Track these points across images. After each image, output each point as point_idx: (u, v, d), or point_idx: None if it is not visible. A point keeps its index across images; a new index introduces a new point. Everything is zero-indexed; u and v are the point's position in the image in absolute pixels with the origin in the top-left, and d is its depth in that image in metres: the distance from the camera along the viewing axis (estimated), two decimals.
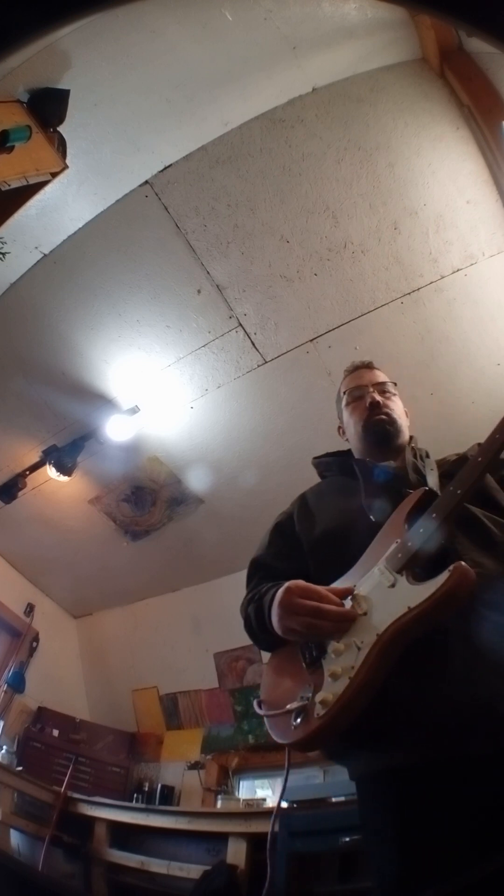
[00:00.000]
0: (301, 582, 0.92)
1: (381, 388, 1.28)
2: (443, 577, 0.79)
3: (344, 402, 1.32)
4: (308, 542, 1.11)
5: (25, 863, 2.58)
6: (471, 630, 0.81)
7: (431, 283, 2.47)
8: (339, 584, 0.95)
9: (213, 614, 3.66)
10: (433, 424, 2.66)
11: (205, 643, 3.68)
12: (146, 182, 2.35)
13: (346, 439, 1.31)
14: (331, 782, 2.45)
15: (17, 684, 3.51)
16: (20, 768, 3.21)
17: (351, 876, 1.96)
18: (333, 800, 2.24)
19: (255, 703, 0.97)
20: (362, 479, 1.11)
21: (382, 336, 2.62)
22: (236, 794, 3.26)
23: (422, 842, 0.77)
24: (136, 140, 2.24)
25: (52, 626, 3.94)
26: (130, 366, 2.87)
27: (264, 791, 3.28)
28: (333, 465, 1.26)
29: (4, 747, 3.32)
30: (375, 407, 1.22)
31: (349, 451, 1.28)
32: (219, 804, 3.12)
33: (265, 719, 0.93)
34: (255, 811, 2.71)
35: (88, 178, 2.30)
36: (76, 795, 3.17)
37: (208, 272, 2.55)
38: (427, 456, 1.16)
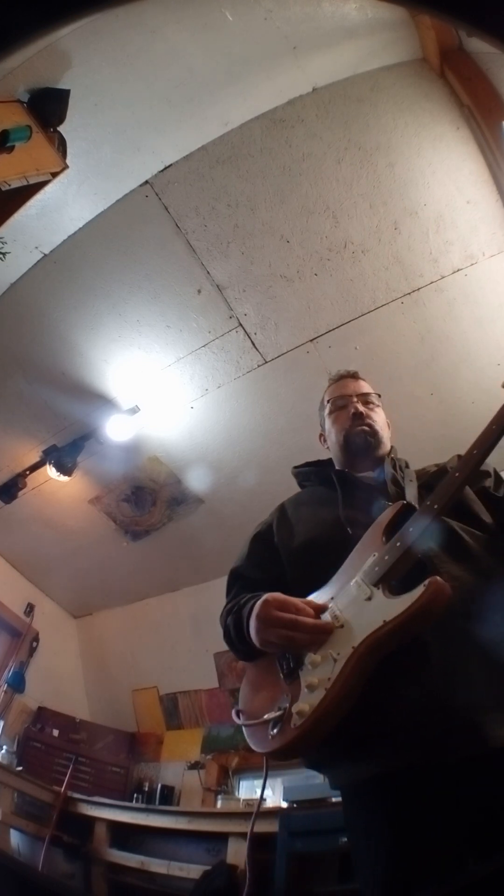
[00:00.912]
0: (279, 595, 0.93)
1: (364, 398, 1.28)
2: (418, 591, 0.80)
3: (327, 411, 1.32)
4: (286, 552, 1.12)
5: (25, 863, 2.58)
6: (448, 640, 0.82)
7: (431, 283, 2.47)
8: (316, 596, 0.96)
9: (213, 614, 3.61)
10: (433, 424, 2.67)
11: (205, 643, 3.67)
12: (146, 182, 2.35)
13: (327, 447, 1.31)
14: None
15: (17, 684, 3.51)
16: (20, 768, 3.21)
17: (351, 876, 1.96)
18: (333, 800, 2.23)
19: (233, 713, 0.98)
20: (340, 490, 1.12)
21: (382, 336, 2.62)
22: (236, 794, 3.27)
23: (408, 847, 0.78)
24: (136, 140, 2.24)
25: (52, 626, 3.94)
26: (130, 366, 2.87)
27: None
28: (312, 474, 1.27)
29: (4, 747, 3.33)
30: (358, 417, 1.23)
31: (329, 460, 1.29)
32: (219, 804, 3.12)
33: (244, 728, 0.94)
34: (254, 811, 2.71)
35: (88, 178, 2.30)
36: (76, 795, 3.17)
37: (208, 272, 2.55)
38: (406, 467, 1.16)
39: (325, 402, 1.34)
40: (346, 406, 1.26)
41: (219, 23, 1.95)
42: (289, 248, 2.47)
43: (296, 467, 1.33)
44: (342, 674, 0.81)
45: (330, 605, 0.92)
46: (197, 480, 3.28)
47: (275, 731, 0.86)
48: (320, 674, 0.84)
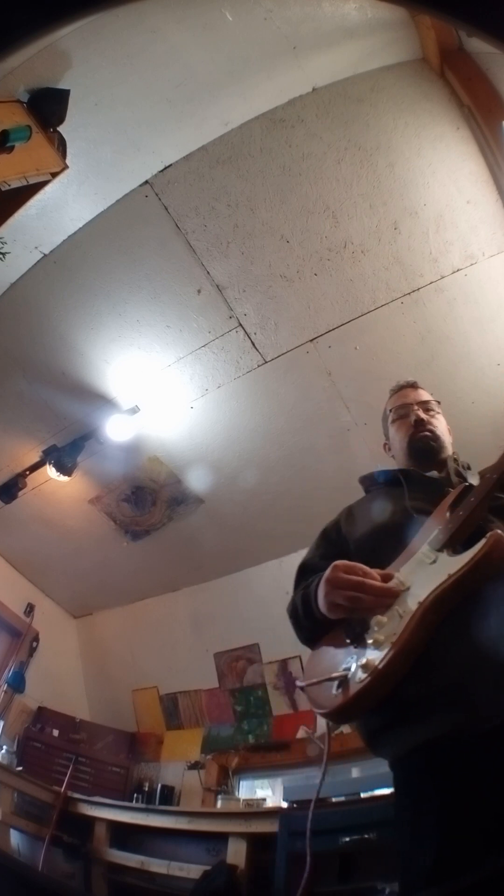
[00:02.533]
0: (346, 561, 0.98)
1: (425, 406, 1.35)
2: (479, 544, 0.87)
3: (390, 420, 1.39)
4: (353, 541, 1.17)
5: (25, 863, 2.58)
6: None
7: (431, 283, 2.47)
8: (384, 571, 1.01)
9: (213, 614, 3.66)
10: None
11: (205, 643, 3.67)
12: (146, 182, 2.35)
13: (392, 455, 1.38)
14: (331, 782, 2.45)
15: (17, 684, 3.51)
16: (20, 768, 3.20)
17: (351, 876, 1.96)
18: (333, 800, 2.24)
19: (297, 681, 1.03)
20: (406, 483, 1.18)
21: (382, 336, 2.62)
22: (236, 794, 3.26)
23: (463, 818, 0.78)
24: (137, 140, 2.24)
25: (52, 626, 3.93)
26: (130, 366, 2.87)
27: (264, 791, 3.28)
28: (379, 476, 1.32)
29: (4, 747, 3.32)
30: (420, 424, 1.30)
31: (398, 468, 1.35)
32: (219, 804, 3.12)
33: (307, 693, 0.98)
34: (255, 811, 2.71)
35: (88, 178, 2.30)
36: (76, 795, 3.16)
37: (208, 272, 2.55)
38: (468, 468, 1.22)
39: (388, 412, 1.41)
40: (408, 414, 1.33)
41: (219, 23, 1.95)
42: (289, 248, 2.47)
43: (362, 476, 1.38)
44: (408, 628, 0.86)
45: (395, 575, 0.97)
46: (197, 480, 3.28)
47: (339, 690, 0.89)
48: (386, 631, 0.88)
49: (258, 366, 2.81)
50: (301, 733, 2.80)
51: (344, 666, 0.90)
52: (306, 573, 1.19)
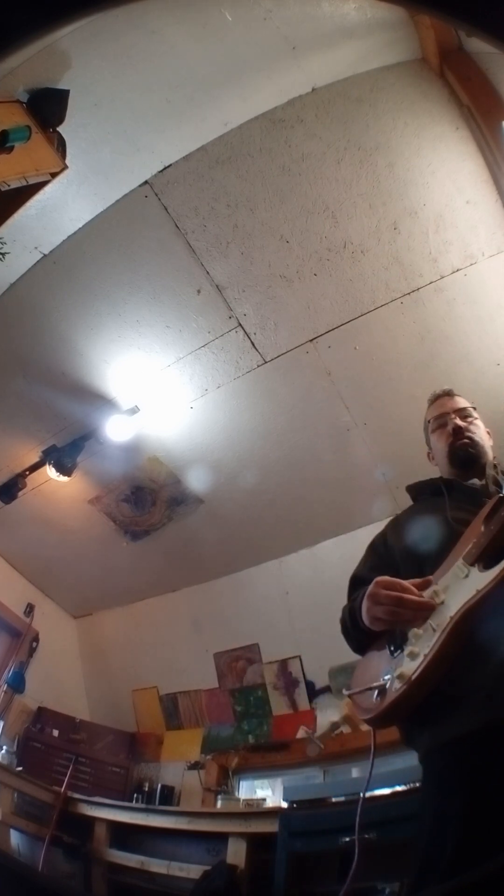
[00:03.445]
0: (387, 577, 1.04)
1: (462, 413, 1.40)
2: None
3: (430, 430, 1.44)
4: (399, 552, 1.23)
5: (25, 863, 2.58)
6: None
7: (431, 283, 2.47)
8: (423, 581, 1.05)
9: (213, 614, 3.66)
10: None
11: (205, 643, 3.67)
12: (146, 182, 2.35)
13: (436, 464, 1.42)
14: (331, 782, 2.45)
15: (17, 684, 3.50)
16: (20, 768, 3.20)
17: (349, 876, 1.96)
18: (333, 800, 2.24)
19: (343, 689, 1.15)
20: (447, 495, 1.23)
21: (382, 336, 2.62)
22: (236, 794, 3.26)
23: (479, 815, 0.82)
24: (136, 140, 2.24)
25: (52, 626, 3.93)
26: (130, 366, 2.87)
27: (264, 791, 3.28)
28: (425, 486, 1.37)
29: (4, 747, 3.32)
30: (458, 432, 1.35)
31: (440, 477, 1.38)
32: (219, 804, 3.12)
33: (353, 701, 1.07)
34: (255, 811, 2.71)
35: (88, 179, 2.30)
36: (76, 795, 3.16)
37: (208, 272, 2.55)
38: None
39: (427, 423, 1.47)
40: (446, 423, 1.38)
41: (218, 23, 1.95)
42: (288, 248, 2.47)
43: (409, 485, 1.43)
44: (440, 640, 0.92)
45: (433, 587, 1.02)
46: (197, 480, 3.28)
47: (378, 698, 0.97)
48: (421, 643, 0.95)
49: (258, 366, 2.81)
50: (301, 733, 2.80)
51: (384, 675, 0.99)
52: (357, 585, 1.24)
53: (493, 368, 2.56)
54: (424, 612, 0.98)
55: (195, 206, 2.40)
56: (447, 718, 0.92)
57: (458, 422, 1.36)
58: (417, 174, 2.25)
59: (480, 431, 1.36)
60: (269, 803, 2.92)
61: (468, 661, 0.90)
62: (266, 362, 2.80)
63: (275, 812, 2.44)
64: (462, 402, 1.44)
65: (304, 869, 2.10)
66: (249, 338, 2.73)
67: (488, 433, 1.38)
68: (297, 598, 3.29)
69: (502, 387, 2.55)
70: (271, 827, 2.28)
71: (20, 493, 3.26)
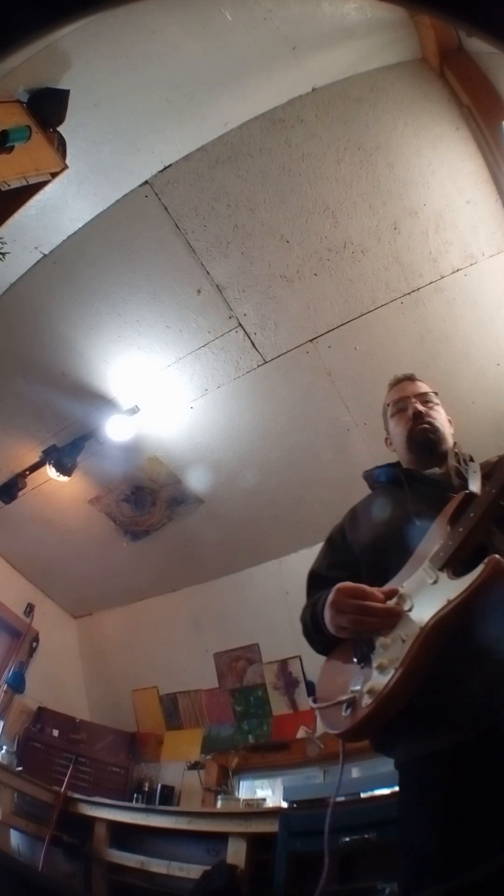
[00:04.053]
0: (350, 583, 0.99)
1: (423, 398, 1.34)
2: (478, 570, 0.86)
3: (389, 414, 1.38)
4: (359, 549, 1.17)
5: (25, 863, 2.58)
6: None
7: (431, 283, 2.47)
8: (387, 585, 1.01)
9: (213, 614, 3.66)
10: None
11: (205, 643, 3.67)
12: (146, 182, 2.35)
13: (394, 450, 1.36)
14: (331, 782, 2.45)
15: (17, 684, 3.51)
16: (20, 768, 3.20)
17: (351, 876, 1.96)
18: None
19: (309, 700, 1.06)
20: (408, 486, 1.17)
21: (382, 336, 2.62)
22: (236, 794, 3.26)
23: (465, 822, 0.80)
24: (136, 140, 2.24)
25: (52, 626, 3.93)
26: (130, 366, 2.87)
27: (264, 791, 3.28)
28: (382, 475, 1.31)
29: (4, 747, 3.32)
30: (418, 417, 1.28)
31: (397, 462, 1.33)
32: (219, 804, 3.12)
33: (318, 713, 1.01)
34: (255, 811, 2.71)
35: (88, 178, 2.29)
36: (76, 795, 3.16)
37: (208, 272, 2.55)
38: (471, 460, 1.20)
39: (387, 407, 1.40)
40: (406, 407, 1.32)
41: (218, 23, 1.95)
42: (288, 248, 2.47)
43: (366, 471, 1.37)
44: (410, 654, 0.87)
45: (400, 591, 0.97)
46: (197, 480, 3.28)
47: (347, 711, 0.92)
48: (390, 655, 0.90)
49: (258, 366, 2.81)
50: (301, 733, 2.79)
51: (352, 687, 0.93)
52: (315, 582, 1.21)
53: (493, 368, 2.56)
54: (391, 620, 0.94)
55: (195, 206, 2.40)
56: (423, 731, 0.89)
57: (419, 406, 1.30)
58: (417, 174, 2.25)
59: (441, 417, 1.31)
60: (269, 803, 2.93)
61: (442, 673, 0.87)
62: (266, 362, 2.80)
63: (275, 812, 2.44)
64: (423, 387, 1.38)
65: (304, 869, 2.10)
66: (249, 338, 2.73)
67: (450, 421, 1.33)
68: (298, 598, 3.25)
69: (502, 387, 2.55)
70: (271, 827, 2.28)
71: (20, 493, 3.26)
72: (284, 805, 2.42)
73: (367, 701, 0.88)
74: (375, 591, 0.98)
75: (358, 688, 0.92)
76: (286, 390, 2.89)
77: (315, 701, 1.02)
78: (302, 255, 2.48)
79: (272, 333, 2.71)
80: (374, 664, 0.91)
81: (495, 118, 2.01)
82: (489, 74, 1.98)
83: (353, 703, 0.91)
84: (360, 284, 2.53)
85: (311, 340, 2.71)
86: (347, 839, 1.95)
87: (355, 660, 0.97)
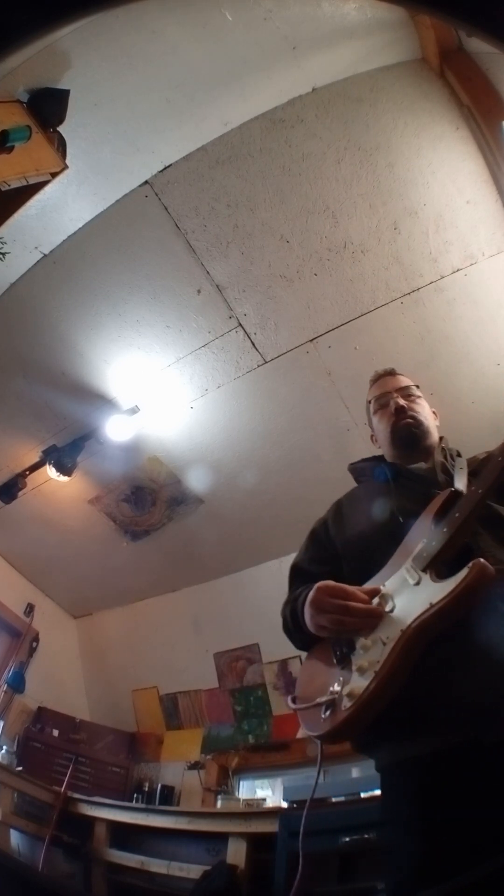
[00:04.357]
0: (330, 582, 0.97)
1: (405, 392, 1.32)
2: (462, 574, 0.84)
3: (372, 411, 1.36)
4: (341, 544, 1.16)
5: (25, 863, 2.58)
6: (490, 624, 0.84)
7: (431, 283, 2.47)
8: (369, 583, 0.99)
9: (213, 614, 3.67)
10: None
11: (205, 643, 3.68)
12: (146, 182, 2.35)
13: (379, 446, 1.34)
14: (331, 782, 2.45)
15: (17, 684, 3.51)
16: (20, 768, 3.21)
17: (351, 876, 1.96)
18: (333, 800, 2.24)
19: (288, 699, 1.02)
20: (393, 482, 1.15)
21: (382, 336, 2.62)
22: (236, 794, 3.27)
23: (445, 829, 0.79)
24: (136, 140, 2.24)
25: (52, 626, 3.94)
26: (130, 366, 2.87)
27: (264, 791, 3.29)
28: (367, 469, 1.29)
29: (4, 747, 3.32)
30: (401, 411, 1.26)
31: (382, 456, 1.32)
32: (219, 804, 3.12)
33: (298, 713, 0.98)
34: (255, 811, 2.71)
35: (88, 178, 2.30)
36: (76, 795, 3.16)
37: (208, 272, 2.55)
38: (458, 455, 1.19)
39: (369, 404, 1.38)
40: (388, 403, 1.30)
41: (219, 23, 1.95)
42: (288, 248, 2.47)
43: (352, 464, 1.36)
44: (391, 657, 0.85)
45: (381, 591, 0.95)
46: (197, 480, 3.28)
47: (327, 713, 0.90)
48: (370, 657, 0.88)
49: (258, 366, 2.81)
50: (301, 733, 2.79)
51: (332, 688, 0.91)
52: (297, 576, 1.20)
53: (493, 368, 2.56)
54: (372, 621, 0.91)
55: (195, 206, 2.40)
56: (403, 736, 0.87)
57: (401, 401, 1.28)
58: (417, 174, 2.25)
59: (425, 411, 1.29)
60: (269, 803, 2.93)
61: (423, 678, 0.84)
62: (266, 362, 2.80)
63: (275, 812, 2.44)
64: (404, 381, 1.35)
65: (304, 869, 2.09)
66: (249, 338, 2.73)
67: (434, 413, 1.31)
68: None
69: (502, 387, 2.55)
70: (271, 827, 2.28)
71: (20, 493, 3.27)
72: (284, 805, 2.42)
73: (346, 704, 0.87)
74: (357, 591, 0.96)
75: (338, 689, 0.90)
76: (286, 390, 2.89)
77: (294, 701, 1.00)
78: (302, 255, 2.48)
79: (272, 333, 2.71)
80: (355, 666, 0.89)
81: (495, 118, 2.01)
82: (489, 74, 1.98)
83: (332, 706, 0.90)
84: (360, 284, 2.53)
85: (311, 340, 2.71)
86: (347, 839, 1.95)
87: (335, 657, 0.95)
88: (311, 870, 1.88)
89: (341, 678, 0.91)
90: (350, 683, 0.88)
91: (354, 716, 0.85)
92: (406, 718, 0.85)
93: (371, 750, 0.98)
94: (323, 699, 0.91)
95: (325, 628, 0.95)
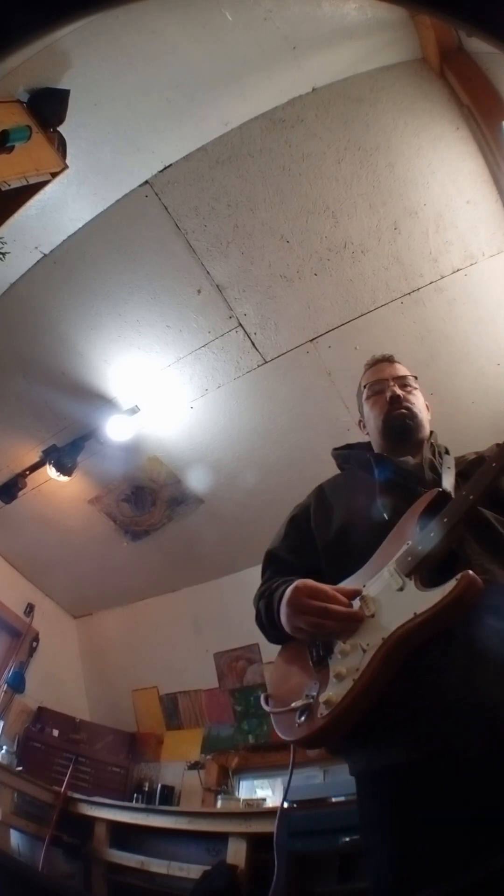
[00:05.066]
0: (310, 581, 0.93)
1: (401, 381, 1.27)
2: (450, 585, 0.80)
3: (364, 396, 1.31)
4: (321, 537, 1.11)
5: (25, 863, 2.58)
6: (474, 635, 0.81)
7: (431, 283, 2.47)
8: (349, 583, 0.95)
9: (213, 614, 3.66)
10: (432, 424, 2.67)
11: (205, 643, 3.67)
12: (146, 182, 2.35)
13: (367, 433, 1.30)
14: (331, 782, 2.45)
15: (17, 684, 3.51)
16: (20, 768, 3.20)
17: (351, 876, 1.96)
18: (333, 800, 2.24)
19: (262, 699, 0.99)
20: (378, 474, 1.10)
21: (382, 336, 2.61)
22: (236, 794, 3.27)
23: (420, 840, 0.77)
24: (136, 140, 2.24)
25: (52, 626, 3.94)
26: (130, 366, 2.87)
27: (264, 791, 3.28)
28: (352, 457, 1.25)
29: (4, 747, 3.32)
30: (396, 401, 1.21)
31: (369, 443, 1.27)
32: (219, 804, 3.12)
33: (271, 715, 0.95)
34: (255, 811, 2.71)
35: (88, 178, 2.30)
36: (76, 795, 3.16)
37: (208, 272, 2.55)
38: (446, 453, 1.15)
39: (363, 388, 1.33)
40: (384, 390, 1.25)
41: (219, 23, 1.95)
42: (289, 248, 2.47)
43: (336, 449, 1.31)
44: (370, 665, 0.82)
45: (362, 593, 0.91)
46: (197, 480, 3.28)
47: (302, 719, 0.86)
48: (349, 664, 0.84)
49: (258, 366, 2.81)
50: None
51: (307, 692, 0.88)
52: (272, 563, 1.15)
53: (493, 368, 2.56)
54: (352, 625, 0.87)
55: (195, 206, 2.40)
56: (378, 745, 0.84)
57: (397, 390, 1.22)
58: (417, 174, 2.25)
59: (420, 403, 1.24)
60: (269, 803, 2.92)
61: (400, 687, 0.81)
62: (266, 362, 2.80)
63: (275, 812, 2.43)
64: (402, 370, 1.30)
65: (304, 869, 2.10)
66: (250, 338, 2.73)
67: (427, 407, 1.26)
68: None
69: (502, 387, 2.55)
70: (271, 827, 2.27)
71: (20, 493, 3.27)
72: (285, 805, 2.42)
73: (323, 711, 0.83)
74: (337, 593, 0.91)
75: (314, 693, 0.86)
76: (286, 390, 2.89)
77: (268, 701, 0.97)
78: (302, 255, 2.48)
79: (272, 333, 2.71)
80: (332, 672, 0.85)
81: (495, 118, 2.01)
82: (489, 74, 1.98)
83: (308, 711, 0.86)
84: (361, 284, 2.53)
85: (311, 340, 2.71)
86: (347, 839, 1.95)
87: (311, 659, 0.92)
88: (289, 871, 1.88)
89: (318, 682, 0.88)
90: (327, 690, 0.85)
91: (331, 724, 0.82)
92: (382, 726, 0.82)
93: (345, 754, 0.96)
94: (298, 704, 0.87)
95: (302, 630, 0.91)
